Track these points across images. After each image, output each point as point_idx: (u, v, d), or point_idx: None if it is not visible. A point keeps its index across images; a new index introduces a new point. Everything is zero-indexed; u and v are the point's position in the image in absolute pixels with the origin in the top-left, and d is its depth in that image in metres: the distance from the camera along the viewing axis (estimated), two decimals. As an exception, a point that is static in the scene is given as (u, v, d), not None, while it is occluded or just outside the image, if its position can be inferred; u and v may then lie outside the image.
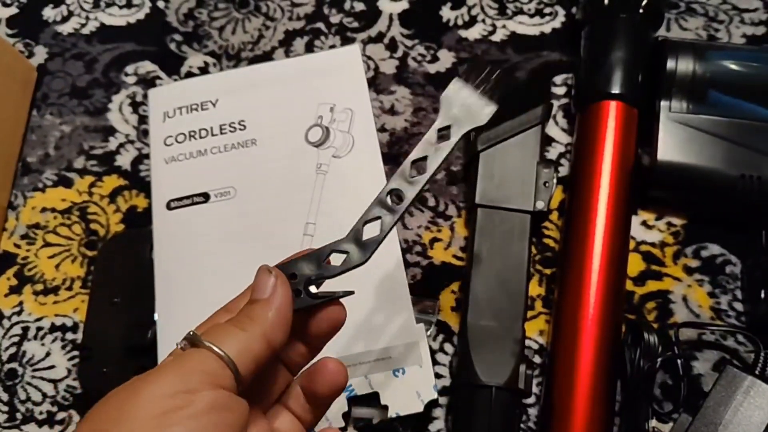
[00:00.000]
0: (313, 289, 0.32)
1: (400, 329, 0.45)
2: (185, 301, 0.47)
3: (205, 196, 0.49)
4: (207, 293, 0.47)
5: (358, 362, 0.44)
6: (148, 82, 0.57)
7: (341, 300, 0.32)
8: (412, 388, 0.44)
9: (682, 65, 0.48)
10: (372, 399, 0.44)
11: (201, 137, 0.51)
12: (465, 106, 0.35)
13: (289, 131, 0.51)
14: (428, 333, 0.47)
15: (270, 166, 0.50)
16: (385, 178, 0.48)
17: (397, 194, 0.33)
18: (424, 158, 0.34)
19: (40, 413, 0.48)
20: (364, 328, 0.45)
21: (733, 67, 0.48)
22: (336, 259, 0.32)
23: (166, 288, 0.48)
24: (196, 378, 0.25)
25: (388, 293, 0.45)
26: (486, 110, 0.35)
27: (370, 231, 0.33)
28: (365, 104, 0.51)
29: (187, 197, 0.49)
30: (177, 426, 0.24)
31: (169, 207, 0.49)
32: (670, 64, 0.48)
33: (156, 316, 0.46)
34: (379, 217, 0.33)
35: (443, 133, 0.34)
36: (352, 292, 0.33)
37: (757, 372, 0.41)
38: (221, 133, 0.51)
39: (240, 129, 0.51)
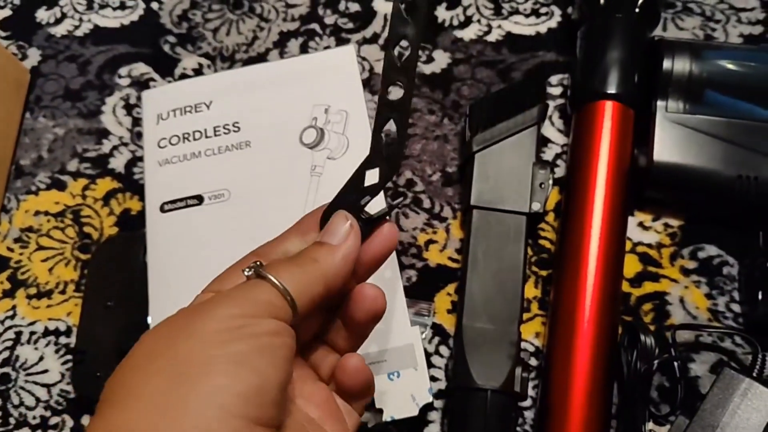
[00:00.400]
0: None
1: (395, 332, 0.44)
2: (179, 305, 0.46)
3: (199, 199, 0.49)
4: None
5: None
6: (142, 84, 0.57)
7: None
8: (407, 392, 0.43)
9: (679, 65, 0.48)
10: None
11: (195, 139, 0.51)
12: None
13: (284, 133, 0.50)
14: (423, 335, 0.46)
15: (264, 168, 0.49)
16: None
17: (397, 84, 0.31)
18: (405, 36, 0.31)
19: (34, 418, 0.48)
20: None
21: (730, 66, 0.48)
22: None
23: (160, 291, 0.47)
24: (258, 307, 0.28)
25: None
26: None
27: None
28: (360, 105, 0.51)
29: (181, 200, 0.49)
30: (239, 341, 0.26)
31: (162, 210, 0.49)
32: (667, 63, 0.47)
33: (149, 320, 0.46)
34: (389, 118, 0.32)
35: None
36: (398, 204, 0.36)
37: (754, 374, 0.41)
38: (215, 135, 0.51)
39: (234, 131, 0.51)
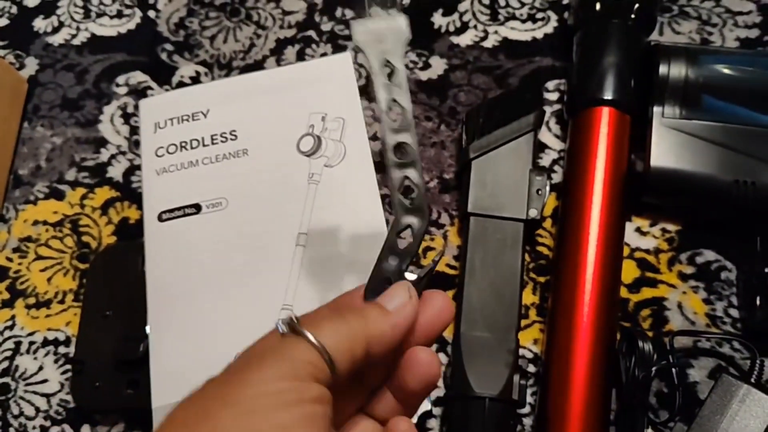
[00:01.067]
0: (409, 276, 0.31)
1: None
2: (178, 313, 0.47)
3: (197, 208, 0.49)
4: (200, 305, 0.46)
5: None
6: (139, 93, 0.57)
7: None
8: None
9: (675, 70, 0.47)
10: None
11: (192, 148, 0.51)
12: (379, 35, 0.33)
13: (281, 141, 0.50)
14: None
15: (262, 177, 0.49)
16: (377, 186, 0.48)
17: (402, 149, 0.33)
18: (395, 101, 0.33)
19: (33, 428, 0.48)
20: None
21: (727, 71, 0.48)
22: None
23: (159, 300, 0.47)
24: (298, 369, 0.25)
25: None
26: (399, 22, 0.33)
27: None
28: (357, 113, 0.51)
29: (179, 209, 0.49)
30: (284, 410, 0.24)
31: (160, 219, 0.49)
32: (663, 69, 0.47)
33: (148, 329, 0.46)
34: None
35: (388, 70, 0.32)
36: (437, 262, 0.33)
37: (753, 380, 0.41)
38: (212, 144, 0.51)
39: (231, 139, 0.51)
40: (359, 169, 0.49)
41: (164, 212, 0.49)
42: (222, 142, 0.51)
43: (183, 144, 0.51)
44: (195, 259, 0.48)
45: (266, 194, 0.49)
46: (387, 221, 0.47)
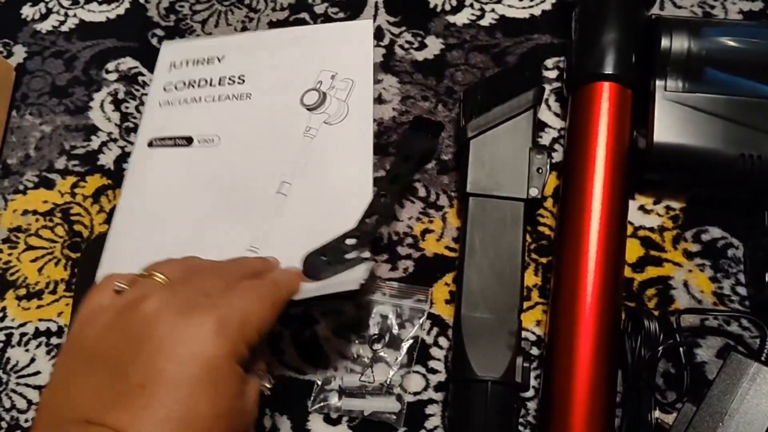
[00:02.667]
0: None
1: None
2: (141, 238, 0.47)
3: (189, 140, 0.50)
4: (165, 234, 0.47)
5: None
6: (129, 79, 0.56)
7: None
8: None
9: (677, 43, 0.46)
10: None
11: (199, 86, 0.52)
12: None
13: (286, 91, 0.51)
14: (421, 324, 0.45)
15: (259, 121, 0.50)
16: (371, 153, 0.48)
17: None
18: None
19: (26, 421, 0.47)
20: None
21: (730, 43, 0.46)
22: None
23: (126, 221, 0.48)
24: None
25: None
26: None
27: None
28: (368, 78, 0.51)
29: (171, 138, 0.50)
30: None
31: (150, 144, 0.50)
32: (665, 42, 0.46)
33: (103, 257, 0.47)
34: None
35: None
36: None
37: (763, 358, 0.40)
38: (219, 85, 0.52)
39: (239, 83, 0.52)
40: (357, 132, 0.48)
41: (155, 139, 0.50)
42: (229, 84, 0.52)
43: (192, 82, 0.52)
44: (173, 189, 0.48)
45: (259, 139, 0.49)
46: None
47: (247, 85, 0.52)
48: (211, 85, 0.52)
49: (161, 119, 0.51)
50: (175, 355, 0.28)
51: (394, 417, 0.43)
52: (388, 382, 0.44)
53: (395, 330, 0.46)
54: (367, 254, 0.41)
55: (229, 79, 0.52)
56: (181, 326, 0.29)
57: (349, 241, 0.41)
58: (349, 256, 0.41)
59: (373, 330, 0.46)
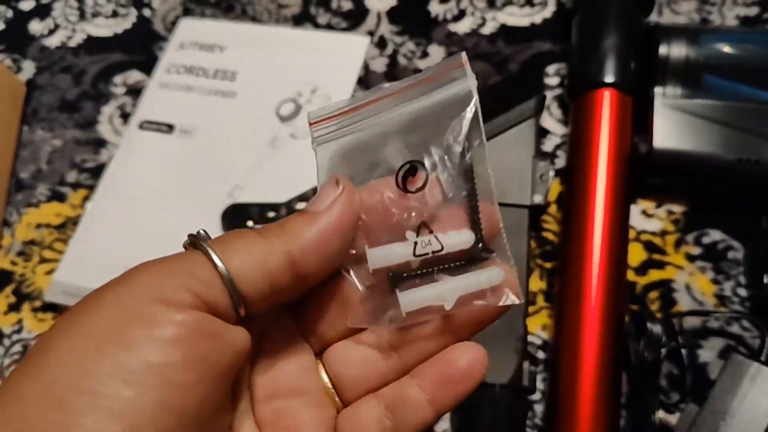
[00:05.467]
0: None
1: None
2: (117, 213, 0.51)
3: (171, 128, 0.53)
4: (139, 213, 0.51)
5: None
6: (137, 92, 0.57)
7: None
8: None
9: (675, 50, 0.47)
10: None
11: (196, 75, 0.55)
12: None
13: (267, 97, 0.53)
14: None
15: (234, 122, 0.53)
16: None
17: None
18: None
19: (45, 430, 0.48)
20: None
21: (728, 50, 0.47)
22: None
23: (105, 196, 0.52)
24: (174, 291, 0.20)
25: None
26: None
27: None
28: (345, 95, 0.52)
29: (157, 123, 0.53)
30: (140, 349, 0.19)
31: (141, 126, 0.54)
32: (663, 49, 0.47)
33: (88, 205, 0.52)
34: (307, 199, 0.42)
35: None
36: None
37: (763, 358, 0.41)
38: (213, 78, 0.55)
39: (229, 80, 0.54)
40: None
41: (146, 122, 0.54)
42: (221, 79, 0.55)
43: (191, 69, 0.55)
44: (150, 172, 0.52)
45: (229, 140, 0.52)
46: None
47: (236, 84, 0.54)
48: (206, 76, 0.55)
49: (156, 101, 0.55)
50: None
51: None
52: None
53: None
54: None
55: (223, 74, 0.55)
56: None
57: None
58: None
59: None
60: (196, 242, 0.21)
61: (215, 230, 0.48)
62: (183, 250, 0.22)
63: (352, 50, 0.54)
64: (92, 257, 0.50)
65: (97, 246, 0.50)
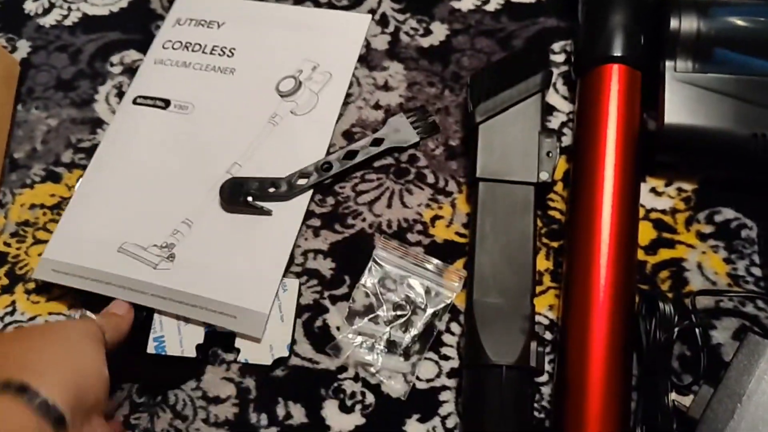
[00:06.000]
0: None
1: (256, 292, 0.45)
2: (108, 188, 0.50)
3: (166, 103, 0.52)
4: (129, 189, 0.50)
5: (204, 306, 0.45)
6: (134, 72, 0.56)
7: None
8: (267, 341, 0.44)
9: (686, 23, 0.46)
10: (228, 338, 0.45)
11: (193, 51, 0.54)
12: (398, 130, 0.49)
13: (266, 74, 0.52)
14: (442, 311, 0.45)
15: (233, 98, 0.52)
16: (326, 152, 0.49)
17: (326, 166, 0.48)
18: (357, 152, 0.48)
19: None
20: (225, 274, 0.46)
21: (739, 22, 0.46)
22: None
23: (96, 171, 0.51)
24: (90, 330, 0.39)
25: (269, 251, 0.46)
26: (411, 139, 0.49)
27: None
28: (346, 74, 0.52)
29: (152, 98, 0.52)
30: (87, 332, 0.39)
31: (134, 101, 0.52)
32: (674, 22, 0.46)
33: (77, 185, 0.51)
34: (308, 175, 0.48)
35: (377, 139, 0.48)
36: (270, 212, 0.47)
37: (779, 338, 0.40)
38: (210, 53, 0.54)
39: (228, 56, 0.53)
40: (319, 126, 0.50)
41: (140, 97, 0.52)
42: (219, 55, 0.53)
43: (188, 44, 0.54)
44: (143, 148, 0.51)
45: (228, 116, 0.51)
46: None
47: (235, 59, 0.53)
48: (203, 52, 0.53)
49: (151, 77, 0.53)
50: None
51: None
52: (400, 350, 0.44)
53: (421, 303, 0.45)
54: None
55: (221, 50, 0.53)
56: None
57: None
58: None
59: (397, 298, 0.45)
60: (85, 314, 0.45)
61: (213, 205, 0.48)
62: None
63: (353, 28, 0.53)
64: (82, 235, 0.49)
65: (88, 223, 0.49)
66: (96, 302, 0.46)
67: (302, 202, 0.48)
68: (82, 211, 0.50)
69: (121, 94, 0.55)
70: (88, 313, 0.43)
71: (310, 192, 0.48)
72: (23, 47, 0.58)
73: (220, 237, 0.47)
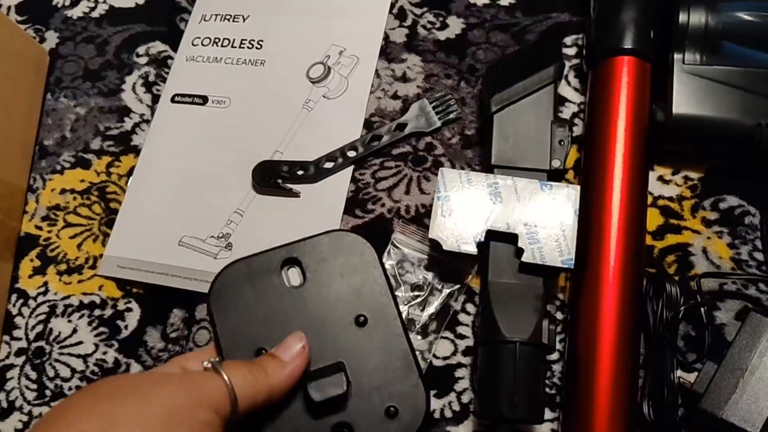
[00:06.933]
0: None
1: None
2: (158, 185, 0.52)
3: (204, 99, 0.54)
4: (178, 185, 0.52)
5: None
6: (159, 62, 0.58)
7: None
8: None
9: (695, 17, 0.48)
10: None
11: (222, 46, 0.56)
12: (421, 116, 0.52)
13: (296, 62, 0.54)
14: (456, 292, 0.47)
15: (267, 89, 0.54)
16: (360, 131, 0.52)
17: (352, 150, 0.51)
18: (381, 136, 0.51)
19: (69, 389, 0.49)
20: None
21: (746, 17, 0.48)
22: None
23: (145, 172, 0.53)
24: (203, 397, 0.31)
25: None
26: (434, 124, 0.52)
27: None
28: (373, 56, 0.53)
29: (189, 95, 0.54)
30: (182, 428, 0.29)
31: (173, 100, 0.54)
32: (683, 16, 0.48)
33: (129, 182, 0.53)
34: (335, 159, 0.50)
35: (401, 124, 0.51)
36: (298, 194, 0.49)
37: (781, 317, 0.42)
38: (240, 47, 0.55)
39: (257, 48, 0.55)
40: (351, 109, 0.52)
41: (177, 95, 0.54)
42: (248, 48, 0.55)
43: (216, 40, 0.56)
44: (187, 145, 0.53)
45: (263, 107, 0.53)
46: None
47: (263, 51, 0.55)
48: (233, 46, 0.55)
49: (185, 74, 0.55)
50: None
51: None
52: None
53: (437, 284, 0.48)
54: None
55: (249, 42, 0.55)
56: None
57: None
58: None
59: (415, 279, 0.48)
60: (218, 368, 0.32)
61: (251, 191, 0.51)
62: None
63: (375, 9, 0.55)
64: (140, 231, 0.51)
65: (145, 221, 0.51)
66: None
67: (343, 182, 0.50)
68: (137, 209, 0.52)
69: (147, 84, 0.57)
70: (222, 367, 0.32)
71: (350, 172, 0.51)
72: (51, 38, 0.60)
73: (270, 222, 0.49)
